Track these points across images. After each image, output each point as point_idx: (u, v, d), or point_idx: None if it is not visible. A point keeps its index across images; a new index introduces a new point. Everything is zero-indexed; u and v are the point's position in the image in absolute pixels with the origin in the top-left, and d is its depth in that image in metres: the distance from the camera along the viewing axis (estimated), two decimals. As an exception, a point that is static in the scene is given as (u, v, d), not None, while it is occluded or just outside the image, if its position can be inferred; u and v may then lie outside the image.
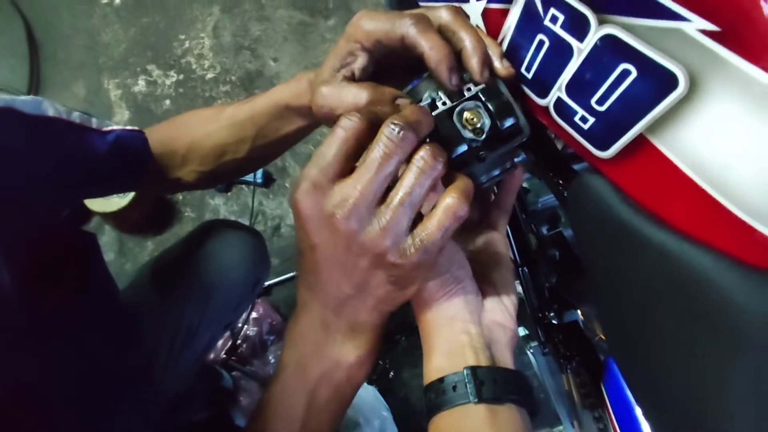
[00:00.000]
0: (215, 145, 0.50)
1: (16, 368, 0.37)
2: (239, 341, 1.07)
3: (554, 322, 0.53)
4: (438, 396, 0.30)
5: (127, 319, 0.57)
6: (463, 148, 0.32)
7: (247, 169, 0.56)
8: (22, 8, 1.51)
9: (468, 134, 0.32)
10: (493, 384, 0.30)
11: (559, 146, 0.47)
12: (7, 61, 1.43)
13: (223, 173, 0.53)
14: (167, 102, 1.39)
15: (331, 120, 0.35)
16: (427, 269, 0.32)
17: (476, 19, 0.36)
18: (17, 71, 1.41)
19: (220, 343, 1.05)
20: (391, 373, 1.12)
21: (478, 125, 0.32)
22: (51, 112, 0.40)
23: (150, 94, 1.40)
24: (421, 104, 0.33)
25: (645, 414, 0.34)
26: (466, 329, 0.32)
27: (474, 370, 0.30)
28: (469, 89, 0.33)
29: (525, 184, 0.68)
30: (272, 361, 1.07)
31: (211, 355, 1.04)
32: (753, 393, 0.25)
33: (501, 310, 0.34)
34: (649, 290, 0.30)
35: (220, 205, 1.27)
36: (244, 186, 1.27)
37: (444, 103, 0.33)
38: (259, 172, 1.22)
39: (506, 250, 0.38)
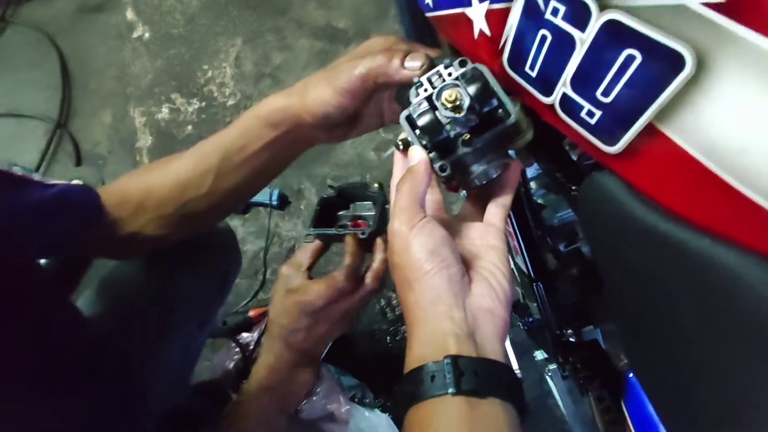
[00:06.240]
0: (175, 183, 0.45)
1: None
2: (251, 364, 1.05)
3: (572, 340, 0.50)
4: (415, 386, 0.28)
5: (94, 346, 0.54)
6: (443, 134, 0.34)
7: (216, 212, 0.50)
8: (60, 44, 1.61)
9: (448, 113, 0.33)
10: (473, 376, 0.28)
11: (575, 157, 0.46)
12: (42, 92, 1.51)
13: (188, 219, 0.48)
14: (189, 127, 1.44)
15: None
16: None
17: (480, 23, 0.36)
18: (50, 101, 1.49)
19: (231, 365, 1.03)
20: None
21: (458, 103, 0.32)
22: None
23: (173, 121, 1.45)
24: (411, 89, 0.37)
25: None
26: (449, 314, 0.30)
27: (455, 359, 0.28)
28: (450, 74, 0.35)
29: (540, 201, 0.66)
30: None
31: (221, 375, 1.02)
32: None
33: (490, 296, 0.32)
34: (672, 295, 0.28)
35: (237, 227, 1.28)
36: (260, 208, 1.28)
37: (426, 90, 0.35)
38: (275, 194, 1.23)
39: (503, 243, 0.36)
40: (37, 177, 0.42)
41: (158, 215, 0.46)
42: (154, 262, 0.61)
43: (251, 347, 1.07)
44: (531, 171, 0.65)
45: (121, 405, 0.50)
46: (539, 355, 0.73)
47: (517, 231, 0.55)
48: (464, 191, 0.72)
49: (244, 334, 1.09)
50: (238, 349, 1.06)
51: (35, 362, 0.40)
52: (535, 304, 0.61)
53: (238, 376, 1.03)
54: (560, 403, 0.66)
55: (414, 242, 0.32)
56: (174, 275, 0.63)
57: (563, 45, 0.28)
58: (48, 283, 0.46)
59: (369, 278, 0.48)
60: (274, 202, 1.24)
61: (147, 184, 0.46)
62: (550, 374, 0.64)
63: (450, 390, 0.27)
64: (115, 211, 0.45)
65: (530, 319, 0.64)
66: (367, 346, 1.11)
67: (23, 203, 0.40)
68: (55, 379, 0.42)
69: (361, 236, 0.49)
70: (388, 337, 1.12)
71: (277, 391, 0.53)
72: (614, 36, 0.24)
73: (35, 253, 0.42)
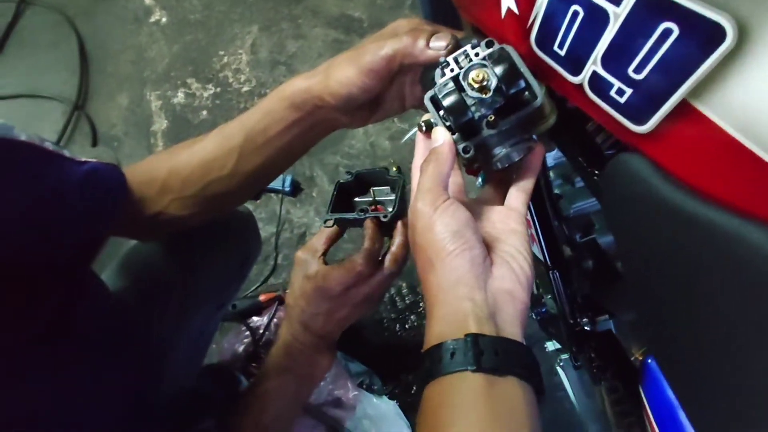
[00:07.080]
0: (199, 163, 0.45)
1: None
2: (261, 348, 1.06)
3: (587, 328, 0.50)
4: (434, 362, 0.29)
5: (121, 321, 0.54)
6: (468, 115, 0.34)
7: (237, 194, 0.50)
8: (78, 27, 1.62)
9: (474, 93, 0.33)
10: (493, 354, 0.28)
11: (599, 140, 0.46)
12: (60, 73, 1.53)
13: (210, 200, 0.48)
14: (204, 113, 1.44)
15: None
16: None
17: (508, 1, 0.35)
18: (68, 83, 1.50)
19: (241, 348, 1.04)
20: (413, 389, 1.08)
21: (485, 83, 0.32)
22: (23, 138, 0.37)
23: (188, 106, 1.45)
24: (437, 70, 0.37)
25: (692, 416, 0.30)
26: (470, 295, 0.30)
27: (475, 337, 0.28)
28: (477, 54, 0.35)
29: (557, 191, 0.66)
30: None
31: (229, 357, 1.03)
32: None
33: (510, 279, 0.32)
34: (699, 276, 0.27)
35: (248, 213, 1.29)
36: (272, 195, 1.29)
37: (452, 70, 0.35)
38: (288, 181, 1.24)
39: (524, 227, 0.36)
40: (67, 153, 0.41)
41: (182, 195, 0.47)
42: (175, 244, 0.62)
43: (261, 331, 1.08)
44: (549, 160, 0.64)
45: (139, 385, 0.51)
46: (550, 345, 0.73)
47: (536, 218, 0.54)
48: (480, 179, 0.72)
49: (255, 318, 1.10)
50: (247, 333, 1.07)
51: (63, 339, 0.41)
52: (549, 296, 0.61)
53: (247, 360, 1.04)
54: (571, 394, 0.66)
55: (438, 223, 0.32)
56: (195, 257, 0.64)
57: (596, 20, 0.27)
58: (78, 259, 0.46)
59: (388, 261, 0.48)
60: (287, 189, 1.24)
61: (172, 163, 0.46)
62: (561, 364, 0.64)
63: (470, 367, 0.27)
64: (140, 191, 0.46)
65: (543, 310, 0.64)
66: (376, 333, 1.11)
67: (61, 180, 0.39)
68: (79, 357, 0.43)
69: (383, 219, 0.49)
70: (398, 325, 1.12)
71: (296, 372, 0.53)
72: (651, 9, 0.23)
73: (70, 229, 0.42)
